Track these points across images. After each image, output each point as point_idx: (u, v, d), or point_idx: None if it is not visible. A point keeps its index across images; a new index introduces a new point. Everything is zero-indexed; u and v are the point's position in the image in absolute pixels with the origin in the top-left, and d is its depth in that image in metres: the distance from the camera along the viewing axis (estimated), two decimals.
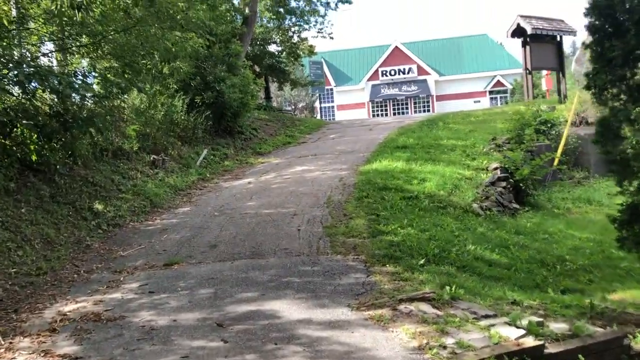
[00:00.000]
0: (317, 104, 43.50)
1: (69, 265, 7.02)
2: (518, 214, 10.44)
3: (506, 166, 11.75)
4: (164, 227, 8.68)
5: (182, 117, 14.60)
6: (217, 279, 6.09)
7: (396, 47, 55.82)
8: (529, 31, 17.31)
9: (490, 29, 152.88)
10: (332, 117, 51.41)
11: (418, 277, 6.01)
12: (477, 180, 11.14)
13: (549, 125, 14.76)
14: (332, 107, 56.35)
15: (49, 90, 8.40)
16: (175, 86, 14.71)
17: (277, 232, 7.79)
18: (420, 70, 54.78)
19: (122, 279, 6.42)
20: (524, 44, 18.05)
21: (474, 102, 55.32)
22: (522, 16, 17.62)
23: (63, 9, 8.88)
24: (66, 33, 9.82)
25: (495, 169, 11.76)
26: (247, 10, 19.19)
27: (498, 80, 54.50)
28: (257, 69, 23.29)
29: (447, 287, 5.39)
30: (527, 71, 18.09)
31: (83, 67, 10.51)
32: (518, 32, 17.92)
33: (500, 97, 55.05)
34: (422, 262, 6.56)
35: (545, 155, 12.30)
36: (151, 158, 12.42)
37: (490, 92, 55.25)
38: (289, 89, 29.74)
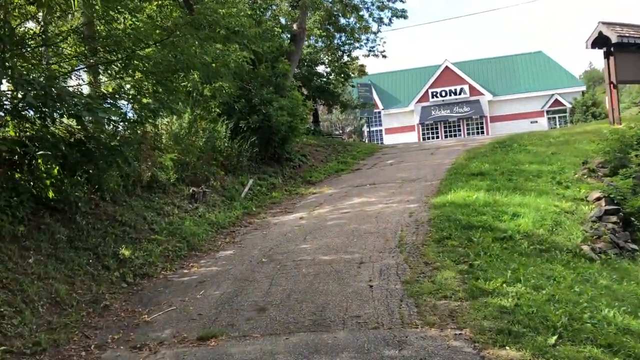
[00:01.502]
0: (365, 128, 41.86)
1: (78, 335, 5.45)
2: (638, 257, 8.32)
3: (611, 196, 9.66)
4: (202, 279, 7.06)
5: (226, 144, 13.19)
6: None
7: (446, 67, 53.82)
8: (614, 39, 15.15)
9: (546, 46, 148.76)
10: (380, 141, 49.63)
11: None
12: (579, 214, 9.09)
13: None
14: (380, 130, 54.63)
15: (66, 114, 7.01)
16: (217, 109, 13.37)
17: (343, 288, 6.03)
18: (473, 91, 52.51)
19: None
20: (607, 55, 15.86)
21: (531, 122, 52.58)
22: (604, 23, 15.51)
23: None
24: (92, 50, 8.52)
25: (598, 199, 9.68)
26: (295, 27, 17.83)
27: (556, 99, 51.55)
28: (305, 91, 21.87)
29: None
30: (612, 85, 15.85)
31: (113, 89, 9.18)
32: (600, 41, 15.77)
33: (559, 117, 52.10)
34: (552, 340, 4.64)
35: None
36: (190, 190, 10.96)
37: (548, 112, 52.33)
38: (338, 112, 28.22)
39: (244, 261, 7.66)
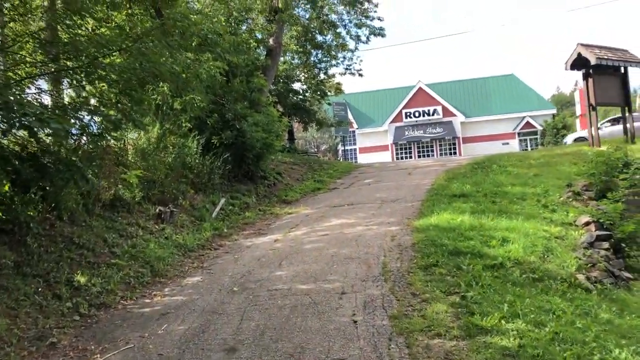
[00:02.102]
0: (339, 147, 41.51)
1: None
2: (633, 286, 7.90)
3: (601, 221, 9.29)
4: (165, 310, 6.33)
5: (197, 161, 12.49)
6: None
7: (420, 88, 54.16)
8: (593, 61, 15.06)
9: (517, 69, 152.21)
10: (355, 160, 49.30)
11: None
12: (569, 240, 8.67)
13: (632, 168, 12.28)
14: (355, 149, 54.49)
15: (15, 125, 6.26)
16: (188, 124, 12.68)
17: (323, 325, 5.39)
18: (446, 112, 52.89)
19: None
20: (585, 77, 15.77)
21: (503, 144, 53.11)
22: (583, 45, 15.44)
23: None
24: (52, 56, 7.79)
25: (587, 224, 9.29)
26: (271, 42, 17.30)
27: (527, 122, 52.28)
28: (281, 108, 21.33)
29: None
30: (591, 107, 15.72)
31: (72, 99, 8.44)
32: (579, 63, 15.69)
33: (530, 139, 52.75)
34: None
35: None
36: (157, 210, 10.21)
37: (519, 134, 52.97)
38: (314, 130, 27.74)
39: (212, 290, 6.96)
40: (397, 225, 9.66)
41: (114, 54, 7.53)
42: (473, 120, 53.01)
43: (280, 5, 16.28)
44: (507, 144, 53.15)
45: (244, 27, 15.32)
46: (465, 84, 56.81)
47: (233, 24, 12.33)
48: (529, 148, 52.17)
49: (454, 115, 52.64)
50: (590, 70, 15.52)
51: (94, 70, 7.37)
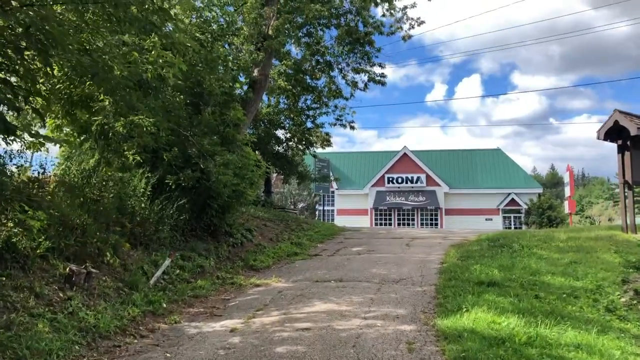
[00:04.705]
0: (318, 206, 38.66)
1: None
2: None
3: None
4: None
5: (142, 205, 9.47)
6: None
7: (405, 154, 52.40)
8: (633, 132, 12.73)
9: (505, 145, 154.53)
10: (332, 222, 46.50)
11: None
12: None
13: None
14: (333, 210, 51.77)
15: None
16: (137, 157, 9.71)
17: None
18: (430, 181, 50.95)
19: None
20: (621, 149, 13.43)
21: (486, 219, 51.12)
22: (621, 112, 13.17)
23: None
24: None
25: None
26: (256, 72, 14.72)
27: (513, 199, 50.52)
28: (260, 155, 18.53)
29: None
30: (626, 185, 13.29)
31: None
32: (614, 132, 13.37)
33: (514, 217, 50.85)
34: None
35: None
36: (67, 270, 7.07)
37: (504, 211, 51.06)
38: (293, 185, 24.90)
39: None
40: (412, 322, 6.69)
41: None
42: (457, 192, 51.10)
43: (270, 32, 13.83)
44: (491, 220, 51.15)
45: (226, 46, 12.74)
46: (452, 154, 55.42)
47: (208, 37, 9.67)
48: (513, 226, 50.18)
49: (438, 185, 50.71)
50: (628, 142, 13.18)
51: None
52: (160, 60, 5.74)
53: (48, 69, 7.03)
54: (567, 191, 40.72)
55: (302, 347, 5.75)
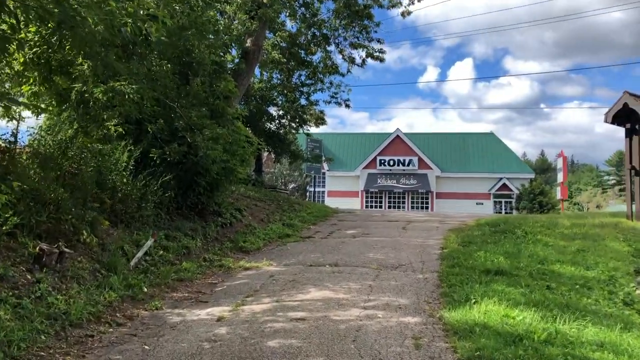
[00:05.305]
0: (309, 187, 38.03)
1: None
2: None
3: None
4: None
5: (124, 180, 8.77)
6: None
7: (397, 136, 51.79)
8: None
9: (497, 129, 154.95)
10: (323, 203, 45.93)
11: None
12: None
13: None
14: (323, 192, 51.16)
15: None
16: (119, 128, 8.98)
17: None
18: (422, 164, 50.41)
19: None
20: (629, 133, 12.87)
21: (477, 204, 50.84)
22: (631, 94, 12.57)
23: None
24: None
25: None
26: (248, 43, 13.90)
27: (504, 184, 50.21)
28: (251, 131, 17.79)
29: None
30: (634, 171, 12.76)
31: None
32: (623, 115, 12.80)
33: (505, 202, 50.60)
34: None
35: None
36: (37, 249, 6.38)
37: (495, 196, 50.76)
38: (285, 165, 24.19)
39: None
40: (416, 314, 6.12)
41: None
42: (449, 176, 50.65)
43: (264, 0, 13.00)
44: (482, 204, 50.89)
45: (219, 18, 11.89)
46: (444, 137, 54.89)
47: (198, 1, 8.85)
48: (503, 211, 49.94)
49: (430, 168, 50.21)
50: (637, 126, 12.63)
51: None
52: (142, 12, 5.01)
53: (23, 34, 6.31)
54: (560, 177, 40.26)
55: (296, 340, 5.15)
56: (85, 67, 7.25)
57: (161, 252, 8.41)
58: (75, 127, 8.56)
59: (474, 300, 6.37)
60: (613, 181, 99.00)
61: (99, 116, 7.85)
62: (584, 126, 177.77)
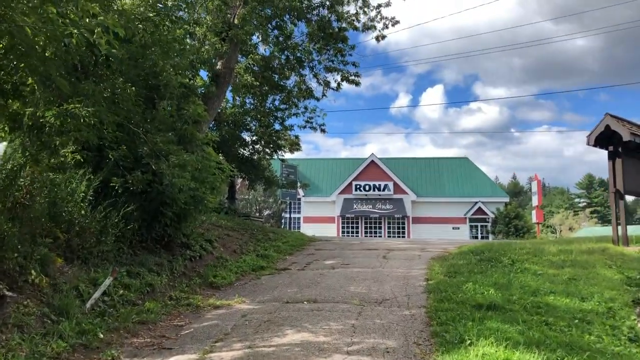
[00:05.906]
0: (284, 214, 37.27)
1: None
2: None
3: None
4: None
5: (82, 212, 7.98)
6: None
7: (372, 161, 51.68)
8: (626, 137, 11.93)
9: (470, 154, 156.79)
10: (298, 230, 45.14)
11: None
12: None
13: None
14: (299, 218, 50.38)
15: None
16: (77, 155, 8.25)
17: None
18: (397, 189, 50.22)
19: None
20: (612, 156, 12.60)
21: (453, 228, 50.77)
22: (613, 116, 12.36)
23: None
24: None
25: None
26: (219, 65, 13.34)
27: (479, 208, 50.26)
28: (223, 158, 17.10)
29: None
30: (617, 194, 12.46)
31: None
32: (605, 138, 12.56)
33: (481, 226, 50.62)
34: None
35: None
36: None
37: (471, 220, 50.74)
38: (260, 190, 23.48)
39: None
40: (406, 358, 5.46)
41: None
42: (424, 200, 50.52)
43: (236, 21, 12.48)
44: (458, 228, 50.84)
45: (188, 40, 11.30)
46: (419, 162, 55.03)
47: (164, 19, 8.26)
48: (480, 236, 49.89)
49: (406, 193, 50.04)
50: (620, 149, 12.38)
51: None
52: (88, 20, 4.35)
53: None
54: (535, 200, 40.49)
55: None
56: (36, 87, 6.57)
57: (122, 291, 7.59)
58: (27, 154, 7.81)
59: (468, 342, 5.75)
60: (584, 203, 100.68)
61: (51, 142, 7.12)
62: (553, 150, 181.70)
